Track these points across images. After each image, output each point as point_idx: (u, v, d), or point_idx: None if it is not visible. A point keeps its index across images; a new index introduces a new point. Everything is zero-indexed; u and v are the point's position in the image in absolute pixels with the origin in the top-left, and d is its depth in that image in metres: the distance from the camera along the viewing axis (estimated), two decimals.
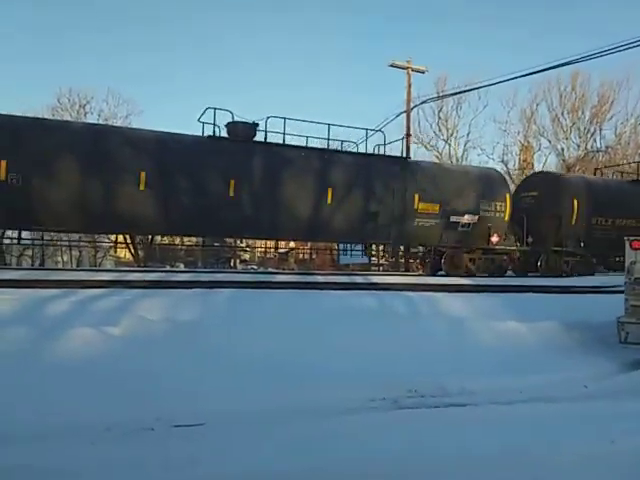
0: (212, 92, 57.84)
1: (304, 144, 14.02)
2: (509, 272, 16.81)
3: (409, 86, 22.37)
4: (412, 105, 23.42)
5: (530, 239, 16.00)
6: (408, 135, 22.69)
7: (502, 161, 35.46)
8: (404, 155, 15.69)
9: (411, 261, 21.56)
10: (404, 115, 23.09)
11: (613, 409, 4.48)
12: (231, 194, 12.35)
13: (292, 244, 34.25)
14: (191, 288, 8.56)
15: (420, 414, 4.28)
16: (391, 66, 22.10)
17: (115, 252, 35.73)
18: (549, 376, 5.47)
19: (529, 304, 8.37)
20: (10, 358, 4.70)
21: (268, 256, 39.74)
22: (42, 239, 23.90)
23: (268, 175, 12.86)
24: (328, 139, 14.10)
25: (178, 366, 4.85)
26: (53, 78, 57.78)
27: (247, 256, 43.32)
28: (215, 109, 12.82)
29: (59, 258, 32.12)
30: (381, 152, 14.87)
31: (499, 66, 53.62)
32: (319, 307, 7.34)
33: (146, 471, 3.04)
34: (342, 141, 15.26)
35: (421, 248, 16.55)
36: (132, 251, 28.11)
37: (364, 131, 15.32)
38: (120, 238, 28.75)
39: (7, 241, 23.80)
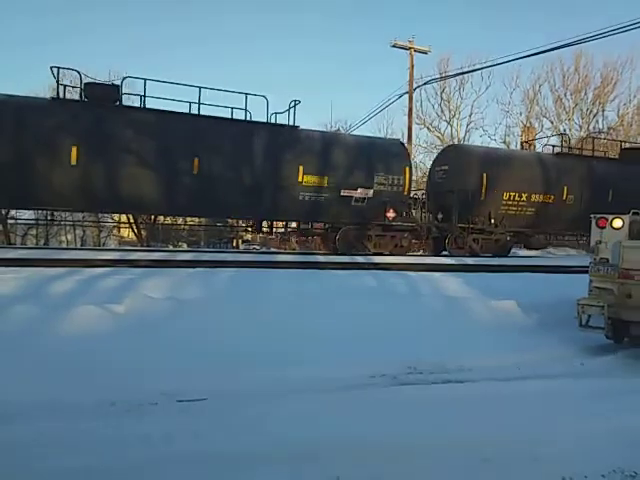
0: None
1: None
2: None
3: (411, 67, 22.25)
4: (415, 86, 23.32)
5: (440, 215, 15.32)
6: (410, 115, 22.66)
7: (504, 142, 35.34)
8: (293, 124, 13.61)
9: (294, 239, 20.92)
10: (406, 95, 23.02)
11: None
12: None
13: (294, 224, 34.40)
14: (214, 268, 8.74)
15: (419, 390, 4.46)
16: (393, 46, 21.97)
17: (119, 232, 35.95)
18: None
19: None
20: (15, 336, 4.89)
21: (270, 237, 40.04)
22: (46, 219, 24.03)
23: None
24: (199, 103, 12.48)
25: (181, 342, 5.03)
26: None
27: (249, 236, 43.43)
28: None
29: (63, 237, 32.32)
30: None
31: (502, 47, 53.27)
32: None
33: (151, 443, 3.21)
34: (232, 108, 13.13)
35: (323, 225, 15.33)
36: (135, 231, 28.28)
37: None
38: (123, 217, 29.00)
39: (11, 221, 24.07)
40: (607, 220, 5.74)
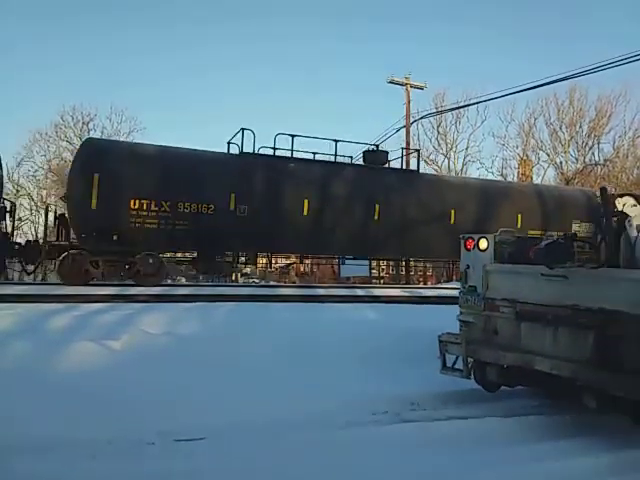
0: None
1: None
2: None
3: (408, 102, 22.64)
4: (412, 120, 23.66)
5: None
6: (407, 149, 22.89)
7: (501, 174, 35.64)
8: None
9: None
10: (403, 130, 23.32)
11: None
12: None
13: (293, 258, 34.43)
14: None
15: None
16: (390, 82, 22.39)
17: None
18: None
19: None
20: (12, 372, 4.77)
21: (269, 270, 39.97)
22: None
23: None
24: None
25: (181, 378, 4.91)
26: (56, 94, 58.22)
27: (248, 269, 43.31)
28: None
29: None
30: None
31: (497, 81, 54.07)
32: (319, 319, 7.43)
33: None
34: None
35: None
36: None
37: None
38: None
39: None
40: (474, 240, 4.77)
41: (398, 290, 13.50)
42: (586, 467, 3.54)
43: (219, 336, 6.09)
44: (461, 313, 4.79)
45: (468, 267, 4.75)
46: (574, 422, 4.34)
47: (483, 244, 4.67)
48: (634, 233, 4.20)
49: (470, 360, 4.55)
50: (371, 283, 26.02)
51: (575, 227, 16.14)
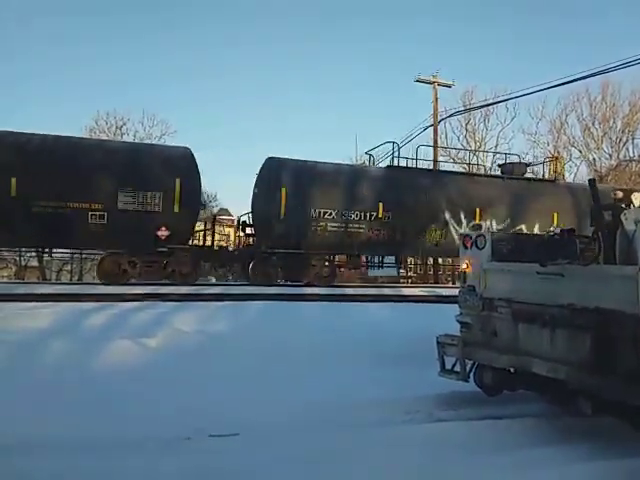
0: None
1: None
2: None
3: (435, 100, 22.47)
4: (439, 118, 23.49)
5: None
6: (435, 148, 22.73)
7: (532, 172, 34.98)
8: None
9: None
10: (430, 128, 23.18)
11: None
12: None
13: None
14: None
15: None
16: (417, 81, 22.25)
17: None
18: None
19: None
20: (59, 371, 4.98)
21: None
22: (81, 254, 24.62)
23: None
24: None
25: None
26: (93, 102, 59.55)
27: None
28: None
29: (95, 273, 32.98)
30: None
31: (527, 77, 53.17)
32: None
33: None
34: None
35: None
36: None
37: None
38: None
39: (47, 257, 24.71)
40: (471, 239, 4.63)
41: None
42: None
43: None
44: (460, 314, 4.62)
45: (467, 266, 4.62)
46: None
47: (481, 242, 4.51)
48: (631, 227, 3.89)
49: (469, 363, 4.40)
50: (399, 283, 25.92)
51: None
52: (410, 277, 30.57)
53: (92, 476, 3.15)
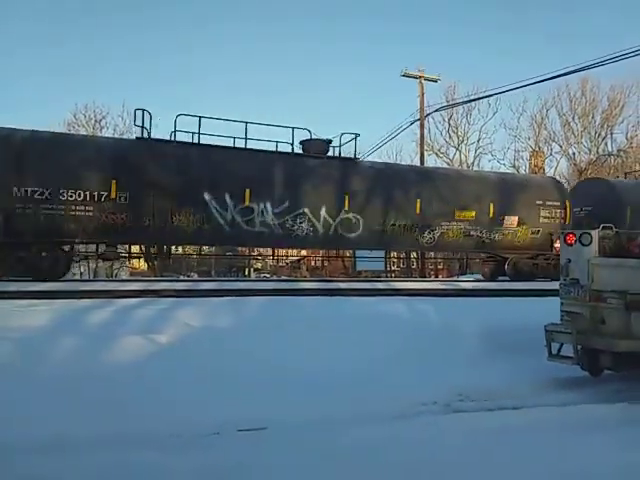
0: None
1: None
2: None
3: (422, 95, 22.54)
4: (424, 114, 23.57)
5: None
6: (422, 142, 22.85)
7: (513, 166, 35.49)
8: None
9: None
10: (414, 123, 23.27)
11: None
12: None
13: (304, 252, 34.53)
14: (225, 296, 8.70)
15: None
16: (404, 76, 22.30)
17: (129, 262, 35.99)
18: None
19: None
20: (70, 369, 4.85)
21: (280, 264, 40.15)
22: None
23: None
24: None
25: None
26: (69, 94, 58.38)
27: (259, 265, 43.47)
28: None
29: (76, 270, 32.40)
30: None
31: (508, 73, 53.78)
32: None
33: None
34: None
35: None
36: (149, 261, 28.32)
37: None
38: (134, 249, 29.10)
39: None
40: (575, 236, 5.21)
41: (431, 284, 13.37)
42: None
43: (261, 327, 6.15)
44: (563, 304, 5.18)
45: (569, 261, 5.15)
46: None
47: (586, 239, 5.07)
48: None
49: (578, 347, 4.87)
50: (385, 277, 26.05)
51: None
52: (394, 271, 30.79)
53: (129, 474, 3.06)
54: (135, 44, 59.88)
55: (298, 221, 12.97)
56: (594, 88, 33.98)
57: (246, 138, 13.08)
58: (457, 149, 36.09)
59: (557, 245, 14.17)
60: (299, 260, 38.65)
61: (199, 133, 12.60)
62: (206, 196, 12.25)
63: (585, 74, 30.68)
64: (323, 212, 13.09)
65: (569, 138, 34.72)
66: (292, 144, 13.38)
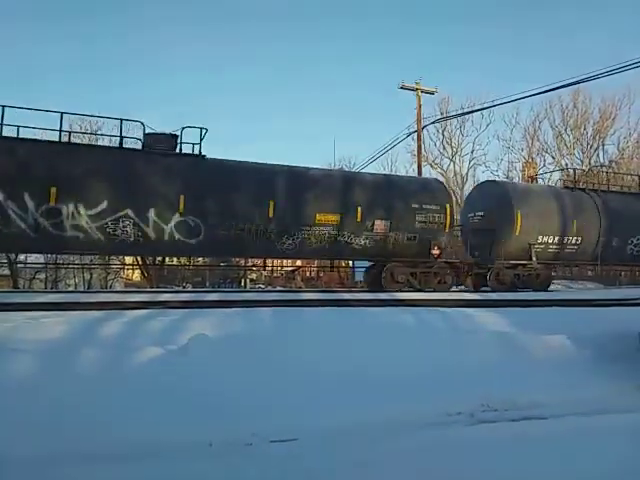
0: None
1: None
2: None
3: (419, 107, 22.80)
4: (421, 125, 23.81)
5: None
6: (419, 153, 23.06)
7: (507, 177, 35.85)
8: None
9: None
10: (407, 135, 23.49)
11: None
12: None
13: (298, 262, 34.53)
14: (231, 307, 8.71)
15: None
16: (401, 88, 22.55)
17: (124, 273, 35.82)
18: None
19: None
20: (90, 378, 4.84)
21: (275, 275, 40.08)
22: (55, 262, 23.88)
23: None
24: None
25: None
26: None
27: (254, 275, 43.38)
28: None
29: (70, 281, 32.18)
30: None
31: (502, 85, 54.53)
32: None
33: None
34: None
35: None
36: (144, 272, 28.27)
37: None
38: (128, 259, 29.01)
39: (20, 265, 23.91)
40: None
41: (430, 294, 13.43)
42: None
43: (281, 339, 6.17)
44: None
45: None
46: None
47: None
48: None
49: None
50: None
51: None
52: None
53: None
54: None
55: (121, 224, 11.36)
56: (586, 100, 34.60)
57: (68, 131, 11.93)
58: (451, 160, 36.49)
59: (434, 252, 13.54)
60: (294, 271, 38.67)
61: (2, 124, 10.97)
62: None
63: (577, 87, 31.22)
64: (152, 215, 11.49)
65: (562, 149, 35.24)
66: (120, 136, 11.79)
